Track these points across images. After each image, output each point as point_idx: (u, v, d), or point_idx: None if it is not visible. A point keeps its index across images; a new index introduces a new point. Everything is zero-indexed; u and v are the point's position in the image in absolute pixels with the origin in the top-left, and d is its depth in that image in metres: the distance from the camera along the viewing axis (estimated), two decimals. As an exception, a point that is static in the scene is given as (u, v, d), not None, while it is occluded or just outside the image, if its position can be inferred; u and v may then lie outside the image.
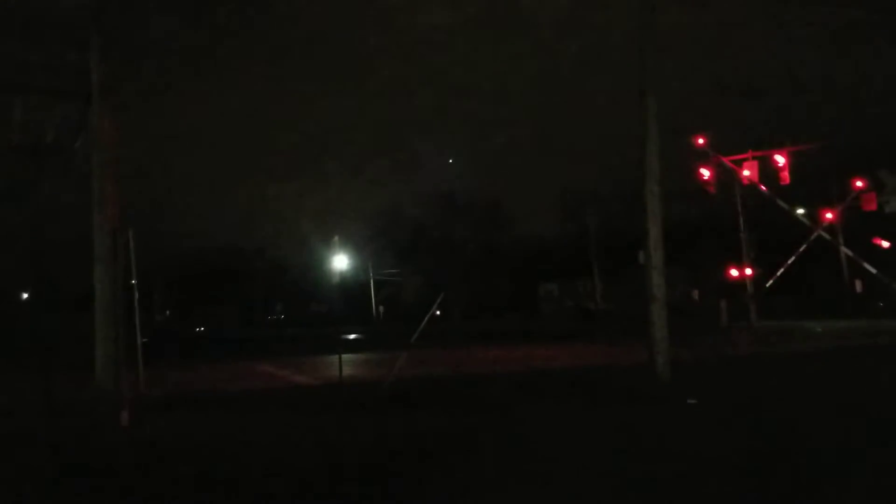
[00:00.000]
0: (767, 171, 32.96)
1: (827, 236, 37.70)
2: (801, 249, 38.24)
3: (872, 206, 35.32)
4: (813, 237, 37.27)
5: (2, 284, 44.82)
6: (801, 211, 46.09)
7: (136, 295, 11.18)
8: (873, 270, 35.10)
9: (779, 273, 39.13)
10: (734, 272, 40.71)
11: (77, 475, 7.98)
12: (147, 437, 10.02)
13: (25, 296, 48.51)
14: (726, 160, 34.86)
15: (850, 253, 37.79)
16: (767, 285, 40.12)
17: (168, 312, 78.08)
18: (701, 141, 33.90)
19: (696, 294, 55.21)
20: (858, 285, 42.21)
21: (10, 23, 12.66)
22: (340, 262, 69.63)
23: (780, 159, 32.33)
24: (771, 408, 10.96)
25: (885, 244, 37.59)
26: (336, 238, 65.23)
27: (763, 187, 35.13)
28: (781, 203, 35.16)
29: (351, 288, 72.68)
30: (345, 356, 18.11)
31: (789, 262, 38.60)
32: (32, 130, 12.78)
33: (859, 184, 35.77)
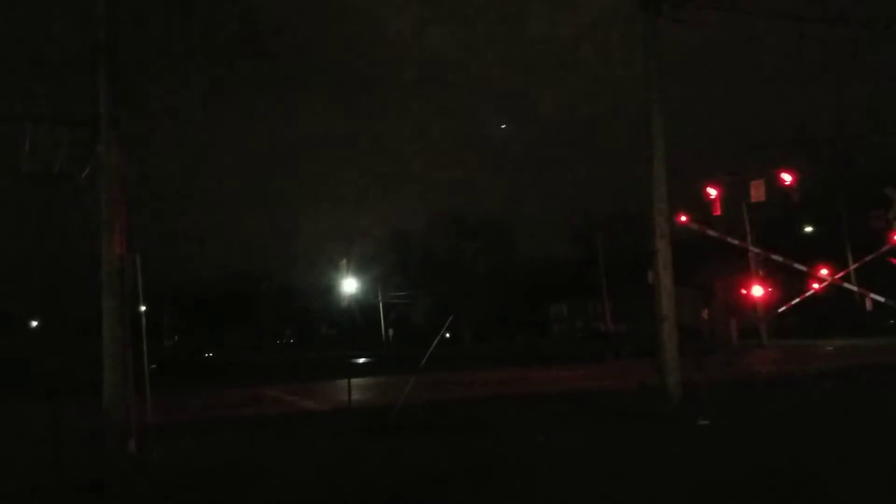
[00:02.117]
0: (775, 189, 32.77)
1: (840, 283, 37.50)
2: (813, 291, 38.10)
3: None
4: (826, 284, 37.10)
5: (11, 311, 44.94)
6: (809, 229, 45.90)
7: (144, 321, 11.17)
8: (881, 299, 34.87)
9: (793, 302, 38.91)
10: (744, 291, 40.51)
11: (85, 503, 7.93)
12: (155, 464, 9.96)
13: (35, 323, 48.61)
14: (727, 176, 34.70)
15: (864, 293, 37.46)
16: (780, 310, 39.89)
17: (177, 338, 78.08)
18: (683, 218, 33.79)
19: (705, 313, 54.86)
20: (868, 303, 41.92)
21: (19, 50, 12.78)
22: (349, 285, 69.55)
23: (787, 177, 32.14)
24: (783, 429, 10.84)
25: None
26: (344, 261, 65.15)
27: (755, 248, 35.24)
28: (795, 265, 34.95)
29: (360, 311, 72.54)
30: (354, 380, 18.04)
31: (804, 295, 38.43)
32: (41, 158, 12.82)
33: None
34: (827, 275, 37.03)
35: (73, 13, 12.47)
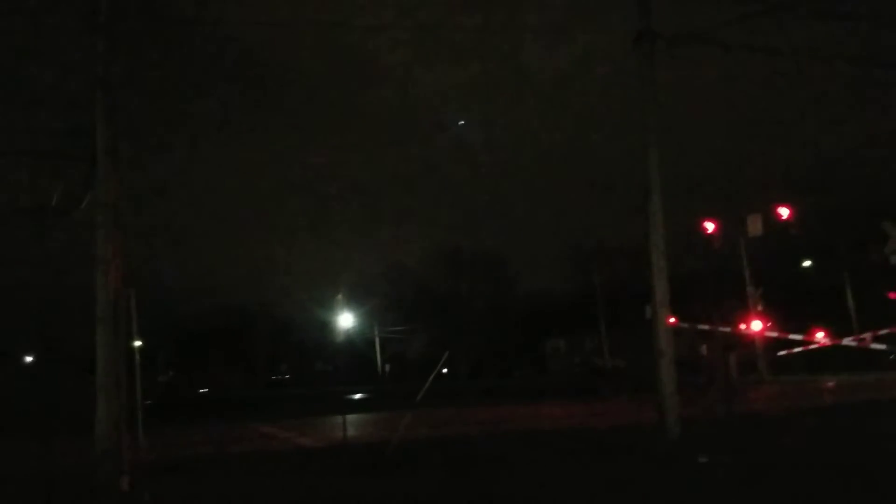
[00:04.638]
0: (773, 224, 32.76)
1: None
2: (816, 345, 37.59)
3: None
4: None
5: (5, 347, 44.67)
6: (807, 263, 45.89)
7: (138, 357, 11.09)
8: (882, 347, 34.59)
9: (794, 350, 38.54)
10: (743, 327, 40.33)
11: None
12: (147, 502, 9.81)
13: (29, 359, 48.31)
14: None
15: (863, 346, 37.05)
16: (780, 353, 39.59)
17: (171, 373, 77.56)
18: (672, 320, 33.73)
19: (704, 349, 54.62)
20: (868, 339, 41.78)
21: (16, 86, 12.83)
22: (345, 320, 69.26)
23: (785, 212, 32.15)
24: (784, 467, 10.70)
25: None
26: (340, 296, 65.01)
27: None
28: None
29: (356, 346, 72.21)
30: (349, 416, 17.90)
31: (806, 347, 38.06)
32: (38, 193, 12.83)
33: None
34: (824, 337, 36.59)
35: (73, 49, 12.54)
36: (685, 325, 33.21)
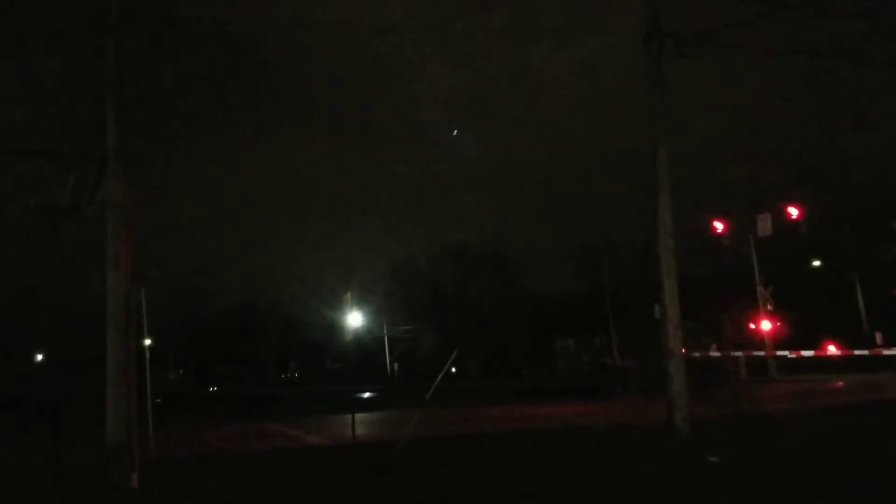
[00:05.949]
0: (783, 223, 32.70)
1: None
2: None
3: None
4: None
5: (16, 345, 44.91)
6: (816, 263, 45.65)
7: (148, 356, 11.18)
8: (893, 352, 34.44)
9: (804, 354, 38.56)
10: (752, 326, 40.22)
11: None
12: (156, 499, 9.87)
13: (40, 357, 48.56)
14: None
15: (876, 353, 36.84)
16: (790, 356, 39.60)
17: (181, 371, 77.79)
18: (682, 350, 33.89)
19: (713, 348, 54.48)
20: (878, 338, 41.64)
21: (26, 86, 12.91)
22: (354, 319, 69.32)
23: (794, 211, 32.11)
24: (795, 466, 10.68)
25: None
26: (349, 294, 65.02)
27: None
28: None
29: (365, 345, 72.27)
30: (358, 415, 17.92)
31: (817, 352, 38.06)
32: (48, 193, 12.89)
33: None
34: (836, 350, 36.52)
35: (83, 49, 12.61)
36: (697, 355, 33.19)
